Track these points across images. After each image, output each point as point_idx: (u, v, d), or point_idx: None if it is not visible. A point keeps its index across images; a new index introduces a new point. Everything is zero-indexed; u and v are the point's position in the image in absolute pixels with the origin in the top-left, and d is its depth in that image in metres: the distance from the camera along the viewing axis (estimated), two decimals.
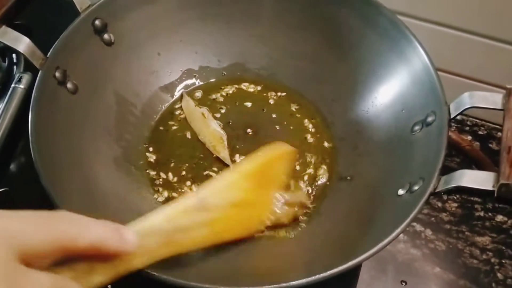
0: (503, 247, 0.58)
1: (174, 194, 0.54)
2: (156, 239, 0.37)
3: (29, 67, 0.64)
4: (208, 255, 0.47)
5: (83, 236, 0.30)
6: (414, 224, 0.60)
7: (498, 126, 0.67)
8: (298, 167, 0.56)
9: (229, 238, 0.45)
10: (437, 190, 0.43)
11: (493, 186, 0.40)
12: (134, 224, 0.36)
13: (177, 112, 0.60)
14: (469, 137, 0.67)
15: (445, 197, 0.62)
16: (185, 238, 0.39)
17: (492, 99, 0.45)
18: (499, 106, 0.45)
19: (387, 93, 0.55)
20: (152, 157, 0.56)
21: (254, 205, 0.47)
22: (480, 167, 0.61)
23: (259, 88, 0.62)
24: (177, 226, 0.39)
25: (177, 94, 0.62)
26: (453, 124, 0.68)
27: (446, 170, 0.44)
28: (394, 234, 0.41)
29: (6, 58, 0.67)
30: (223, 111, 0.60)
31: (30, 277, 0.28)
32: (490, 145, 0.67)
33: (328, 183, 0.55)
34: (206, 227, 0.41)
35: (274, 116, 0.60)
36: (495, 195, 0.40)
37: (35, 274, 0.28)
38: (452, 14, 0.61)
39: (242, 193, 0.44)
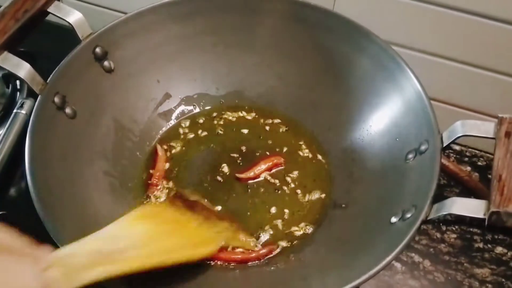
0: (503, 280, 0.57)
1: None
2: (80, 259, 0.40)
3: (32, 94, 0.65)
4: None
5: None
6: (413, 254, 0.59)
7: None
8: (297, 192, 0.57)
9: (176, 259, 0.45)
10: (429, 218, 0.43)
11: (484, 214, 0.40)
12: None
13: (175, 137, 0.61)
14: (468, 168, 0.67)
15: (444, 227, 0.61)
16: (125, 257, 0.42)
17: (484, 128, 0.45)
18: (491, 135, 0.45)
19: (381, 122, 0.55)
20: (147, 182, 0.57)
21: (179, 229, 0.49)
22: (479, 197, 0.61)
23: (256, 115, 0.63)
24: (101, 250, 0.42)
25: (174, 120, 0.63)
26: (451, 154, 0.68)
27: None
28: (385, 262, 0.41)
29: (10, 85, 0.69)
30: (220, 137, 0.61)
31: None
32: (489, 176, 0.66)
33: (322, 210, 0.55)
34: (142, 248, 0.44)
35: (270, 142, 0.60)
36: (486, 223, 0.39)
37: None
38: (445, 45, 0.61)
39: (147, 225, 0.47)
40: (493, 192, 0.40)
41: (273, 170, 0.58)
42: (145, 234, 0.46)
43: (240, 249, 0.52)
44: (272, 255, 0.52)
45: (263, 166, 0.58)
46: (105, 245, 0.43)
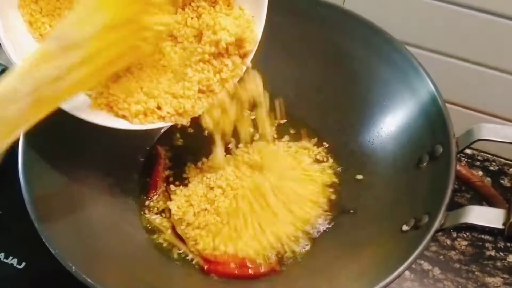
0: None
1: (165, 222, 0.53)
2: (15, 107, 0.33)
3: None
4: None
5: None
6: (422, 262, 0.58)
7: (510, 162, 0.65)
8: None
9: (120, 64, 0.38)
10: (443, 227, 0.42)
11: (503, 224, 0.38)
12: None
13: (174, 136, 0.59)
14: (480, 173, 0.65)
15: (454, 234, 0.60)
16: (58, 88, 0.34)
17: (503, 132, 0.44)
18: (510, 140, 0.43)
19: (393, 124, 0.54)
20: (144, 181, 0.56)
21: (138, 14, 0.38)
22: (491, 204, 0.59)
23: None
24: (39, 81, 0.33)
25: None
26: (463, 158, 0.66)
27: (456, 206, 0.43)
28: (396, 273, 0.40)
29: None
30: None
31: None
32: (502, 181, 0.64)
33: (330, 215, 0.53)
34: (82, 67, 0.35)
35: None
36: (505, 233, 0.38)
37: None
38: (459, 45, 0.60)
39: (113, 8, 0.36)
40: None
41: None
42: (108, 25, 0.36)
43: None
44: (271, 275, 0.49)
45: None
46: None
